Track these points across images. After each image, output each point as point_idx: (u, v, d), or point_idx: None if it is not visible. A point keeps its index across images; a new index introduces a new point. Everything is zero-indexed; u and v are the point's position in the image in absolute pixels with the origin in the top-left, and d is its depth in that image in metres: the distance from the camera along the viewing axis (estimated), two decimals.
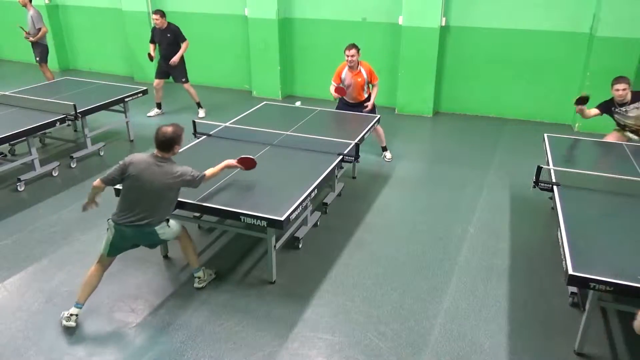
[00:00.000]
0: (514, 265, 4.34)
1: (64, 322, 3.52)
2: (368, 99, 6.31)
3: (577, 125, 7.58)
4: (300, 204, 3.83)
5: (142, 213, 3.46)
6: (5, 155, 6.29)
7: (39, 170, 5.84)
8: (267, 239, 3.92)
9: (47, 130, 6.02)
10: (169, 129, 3.48)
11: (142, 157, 3.51)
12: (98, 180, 3.62)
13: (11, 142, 5.93)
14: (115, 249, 3.60)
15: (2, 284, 4.07)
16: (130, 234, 3.52)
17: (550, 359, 3.36)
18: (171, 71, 7.95)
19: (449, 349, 3.43)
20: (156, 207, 3.49)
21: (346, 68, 6.12)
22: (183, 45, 7.80)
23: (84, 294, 3.56)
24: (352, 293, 3.98)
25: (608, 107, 5.38)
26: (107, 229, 3.57)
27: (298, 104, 5.30)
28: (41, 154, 6.39)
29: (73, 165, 6.24)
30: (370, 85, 6.30)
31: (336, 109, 6.47)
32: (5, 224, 4.94)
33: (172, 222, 3.70)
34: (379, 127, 6.27)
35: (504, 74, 7.97)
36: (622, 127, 5.47)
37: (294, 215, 3.74)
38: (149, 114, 8.33)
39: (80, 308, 3.57)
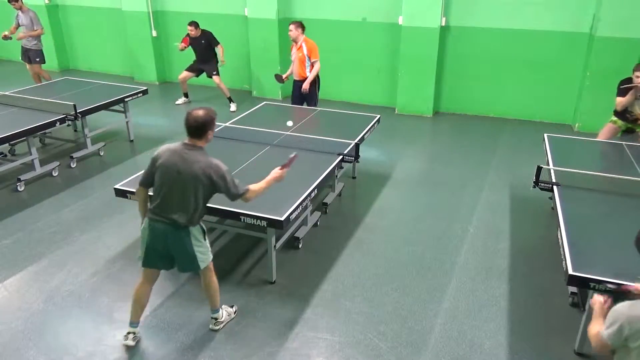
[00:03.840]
0: (514, 265, 4.34)
1: (123, 341, 3.39)
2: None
3: (577, 125, 7.58)
4: (300, 204, 3.83)
5: (173, 207, 3.10)
6: (5, 155, 6.29)
7: (39, 170, 5.84)
8: (267, 239, 3.93)
9: (47, 130, 6.02)
10: (200, 112, 3.08)
11: (170, 146, 3.17)
12: (138, 185, 3.28)
13: (11, 142, 5.93)
14: (149, 256, 3.23)
15: (2, 284, 4.07)
16: (162, 233, 3.14)
17: (550, 359, 3.36)
18: (204, 67, 8.48)
19: (449, 349, 3.44)
20: (186, 202, 3.09)
21: (294, 44, 6.67)
22: (220, 51, 8.33)
23: (134, 313, 3.38)
24: (352, 293, 3.98)
25: (627, 89, 5.28)
26: (142, 229, 3.24)
27: (289, 123, 5.11)
28: (41, 154, 6.39)
29: (73, 165, 6.24)
30: (310, 63, 6.61)
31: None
32: (5, 224, 4.94)
33: (208, 243, 3.34)
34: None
35: (504, 74, 7.97)
36: (621, 115, 5.45)
37: (294, 215, 3.74)
38: (177, 102, 8.91)
39: (136, 327, 3.41)
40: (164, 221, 3.12)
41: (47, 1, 10.68)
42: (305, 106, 6.72)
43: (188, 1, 9.55)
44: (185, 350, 3.40)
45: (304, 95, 6.71)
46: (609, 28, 6.92)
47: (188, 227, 3.15)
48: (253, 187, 3.30)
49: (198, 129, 3.09)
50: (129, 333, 3.40)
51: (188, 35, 8.23)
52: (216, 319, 3.55)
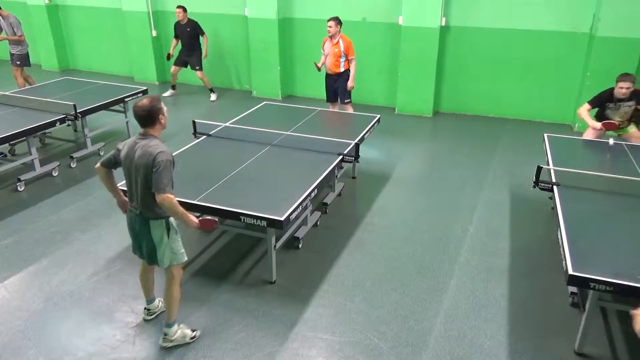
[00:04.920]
0: (514, 265, 4.34)
1: (142, 316, 3.69)
2: (343, 73, 6.84)
3: (577, 125, 7.58)
4: (300, 204, 3.83)
5: (134, 198, 3.19)
6: (5, 155, 6.30)
7: (39, 170, 5.84)
8: (267, 239, 3.93)
9: (47, 130, 6.02)
10: (145, 101, 3.11)
11: (130, 138, 3.25)
12: (98, 163, 3.34)
13: (11, 142, 5.94)
14: (132, 243, 3.41)
15: (2, 284, 4.07)
16: (131, 221, 3.29)
17: (550, 359, 3.36)
18: (189, 60, 8.90)
19: (449, 349, 3.44)
20: (140, 192, 3.12)
21: (328, 38, 6.80)
22: (204, 40, 8.79)
23: (144, 292, 3.64)
24: (352, 293, 3.98)
25: (602, 101, 5.41)
26: None
27: None
28: (41, 154, 6.40)
29: (73, 165, 6.24)
30: (345, 59, 6.77)
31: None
32: (5, 224, 4.94)
33: (178, 244, 3.31)
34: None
35: (504, 74, 7.97)
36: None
37: (294, 215, 3.74)
38: (164, 94, 9.18)
39: (151, 302, 3.67)
40: (134, 211, 3.26)
41: (47, 1, 10.68)
42: (338, 101, 7.08)
43: (188, 1, 9.52)
44: (185, 350, 3.39)
45: (337, 89, 6.96)
46: (609, 28, 6.92)
47: (149, 219, 3.19)
48: (175, 201, 3.08)
49: (146, 117, 3.13)
50: (145, 309, 3.68)
51: (176, 24, 8.75)
52: (166, 334, 3.38)
